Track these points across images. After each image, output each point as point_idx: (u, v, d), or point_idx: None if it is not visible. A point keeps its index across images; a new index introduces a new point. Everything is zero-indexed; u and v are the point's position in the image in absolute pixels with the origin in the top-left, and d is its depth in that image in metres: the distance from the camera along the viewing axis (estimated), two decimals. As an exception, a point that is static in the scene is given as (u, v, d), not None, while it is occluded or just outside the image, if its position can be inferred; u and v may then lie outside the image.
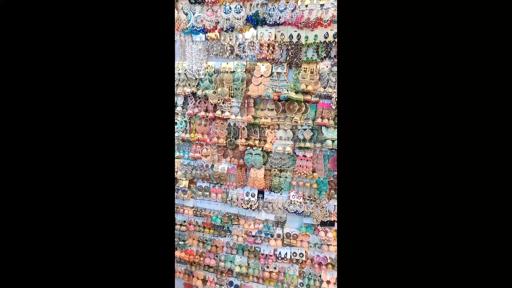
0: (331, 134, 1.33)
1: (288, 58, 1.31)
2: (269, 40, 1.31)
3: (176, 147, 1.71)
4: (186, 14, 1.43)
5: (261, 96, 1.39)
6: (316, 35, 1.25)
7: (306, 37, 1.27)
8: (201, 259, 1.71)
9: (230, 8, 1.31)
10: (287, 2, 1.22)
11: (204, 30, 1.40)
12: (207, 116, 1.54)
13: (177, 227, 1.72)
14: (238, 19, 1.30)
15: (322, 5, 1.19)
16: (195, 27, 1.41)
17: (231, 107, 1.49)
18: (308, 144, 1.39)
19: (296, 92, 1.33)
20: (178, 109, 1.60)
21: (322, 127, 1.34)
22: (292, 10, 1.21)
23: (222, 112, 1.51)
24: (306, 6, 1.21)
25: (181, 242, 1.75)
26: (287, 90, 1.33)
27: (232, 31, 1.37)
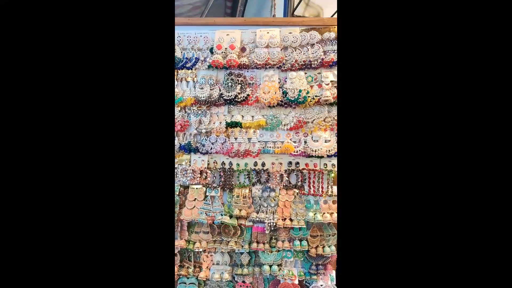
0: (267, 259, 1.30)
1: (220, 183, 1.34)
2: (202, 166, 1.35)
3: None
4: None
5: (195, 220, 1.34)
6: (246, 163, 1.34)
7: (238, 164, 1.35)
8: None
9: (163, 136, 1.36)
10: (218, 136, 1.32)
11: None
12: (134, 242, 1.38)
13: None
14: (171, 147, 1.34)
15: (249, 139, 1.33)
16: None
17: (162, 230, 1.38)
18: (245, 270, 1.32)
19: (231, 217, 1.32)
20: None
21: (259, 251, 1.31)
22: (223, 143, 1.31)
23: (153, 236, 1.38)
24: (236, 139, 1.33)
25: None
26: (221, 215, 1.32)
27: (165, 156, 1.39)
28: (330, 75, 1.27)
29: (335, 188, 1.29)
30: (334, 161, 1.30)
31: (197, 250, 1.36)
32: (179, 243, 1.36)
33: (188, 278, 1.37)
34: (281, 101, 1.27)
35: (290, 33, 1.29)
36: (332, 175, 1.29)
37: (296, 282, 1.30)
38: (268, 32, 1.29)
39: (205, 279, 1.35)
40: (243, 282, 1.34)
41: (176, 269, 1.37)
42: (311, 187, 1.29)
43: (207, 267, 1.37)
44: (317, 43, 1.27)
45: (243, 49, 1.32)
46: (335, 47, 1.26)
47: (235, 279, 1.35)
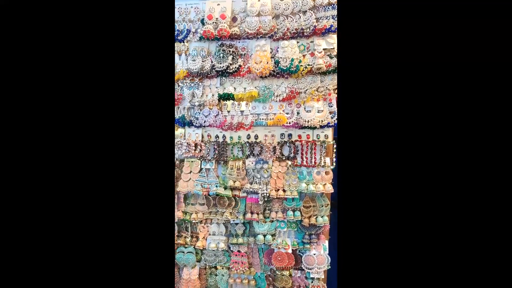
0: (261, 229, 1.33)
1: (215, 156, 1.36)
2: (196, 140, 1.36)
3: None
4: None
5: (191, 191, 1.37)
6: (239, 136, 1.35)
7: (231, 137, 1.35)
8: None
9: (157, 110, 1.37)
10: (211, 109, 1.32)
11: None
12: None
13: None
14: (165, 120, 1.36)
15: (242, 112, 1.32)
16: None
17: (161, 202, 1.42)
18: (240, 240, 1.35)
19: (225, 188, 1.34)
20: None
21: (253, 221, 1.34)
22: (216, 116, 1.31)
23: (151, 208, 1.43)
24: (228, 112, 1.33)
25: None
26: (216, 186, 1.34)
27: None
28: (323, 43, 1.23)
29: (327, 159, 1.28)
30: (327, 131, 1.28)
31: (194, 221, 1.40)
32: (176, 214, 1.40)
33: (185, 247, 1.43)
34: (273, 71, 1.25)
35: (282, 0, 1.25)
36: (325, 146, 1.28)
37: (290, 251, 1.33)
38: (259, 0, 1.26)
39: (202, 249, 1.40)
40: (239, 251, 1.38)
41: (174, 238, 1.42)
42: (304, 158, 1.29)
43: (203, 237, 1.41)
44: (309, 9, 1.23)
45: (234, 19, 1.29)
46: (328, 13, 1.21)
47: (231, 249, 1.40)
